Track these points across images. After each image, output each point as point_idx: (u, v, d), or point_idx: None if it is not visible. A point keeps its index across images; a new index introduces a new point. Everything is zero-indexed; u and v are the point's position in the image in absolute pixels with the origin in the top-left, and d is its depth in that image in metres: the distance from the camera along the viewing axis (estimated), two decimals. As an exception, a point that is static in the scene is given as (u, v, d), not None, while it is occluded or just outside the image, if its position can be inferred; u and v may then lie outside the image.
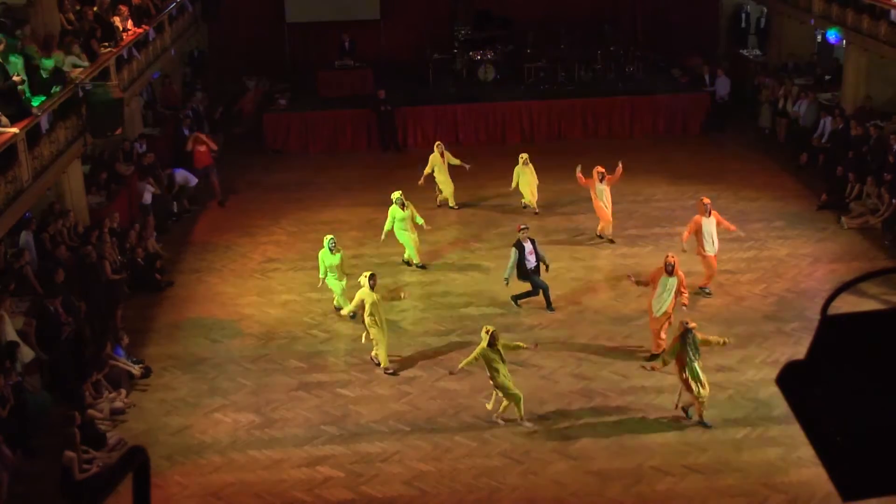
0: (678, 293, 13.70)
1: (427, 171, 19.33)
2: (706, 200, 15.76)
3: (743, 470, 11.62)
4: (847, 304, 2.36)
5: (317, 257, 15.32)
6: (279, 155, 23.80)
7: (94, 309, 14.72)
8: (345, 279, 15.20)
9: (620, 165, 17.80)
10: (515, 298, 15.59)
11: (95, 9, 19.08)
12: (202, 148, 19.98)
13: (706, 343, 12.35)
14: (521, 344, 12.93)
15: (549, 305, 15.51)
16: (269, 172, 22.53)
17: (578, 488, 11.41)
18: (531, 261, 15.25)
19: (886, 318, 2.07)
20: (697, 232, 15.56)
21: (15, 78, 13.76)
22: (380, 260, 17.25)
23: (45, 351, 13.29)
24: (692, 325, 12.27)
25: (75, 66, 16.14)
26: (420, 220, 16.76)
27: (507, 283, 15.32)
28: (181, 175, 20.55)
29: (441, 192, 19.64)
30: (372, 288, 13.63)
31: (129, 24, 19.84)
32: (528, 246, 15.25)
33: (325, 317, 15.55)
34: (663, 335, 13.75)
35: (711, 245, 15.53)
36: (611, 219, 17.88)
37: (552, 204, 19.80)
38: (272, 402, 13.29)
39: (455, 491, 11.40)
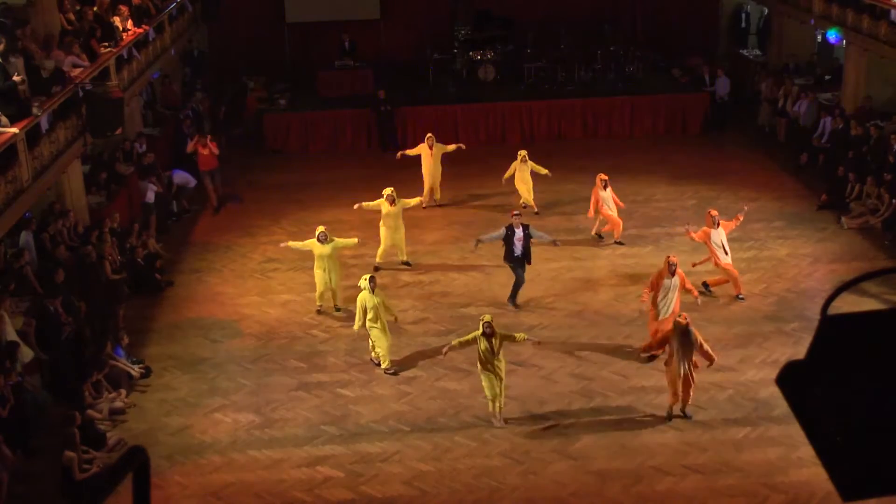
0: (685, 291, 13.75)
1: (411, 152, 19.76)
2: (714, 213, 15.71)
3: (743, 470, 11.62)
4: (847, 304, 2.37)
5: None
6: (279, 155, 23.80)
7: (94, 309, 14.72)
8: (333, 277, 15.26)
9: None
10: (511, 300, 15.63)
11: (95, 9, 19.08)
12: (205, 151, 19.87)
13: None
14: (523, 336, 12.79)
15: (512, 298, 15.58)
16: (269, 172, 22.54)
17: (578, 488, 11.41)
18: (518, 247, 15.29)
19: (886, 318, 2.07)
20: (708, 243, 15.54)
21: (15, 78, 13.76)
22: (380, 259, 17.23)
23: (45, 351, 13.29)
24: (683, 320, 12.15)
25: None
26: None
27: (476, 246, 15.91)
28: (180, 176, 20.54)
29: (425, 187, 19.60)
30: (372, 291, 13.64)
31: (129, 24, 19.83)
32: (518, 232, 15.26)
33: (325, 317, 15.56)
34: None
35: (725, 254, 15.52)
36: (620, 222, 17.88)
37: (552, 204, 19.80)
38: (272, 402, 13.30)
39: (455, 491, 11.40)
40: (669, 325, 12.92)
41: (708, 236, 15.49)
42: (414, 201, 17.26)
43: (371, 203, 16.83)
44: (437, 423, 12.73)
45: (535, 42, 25.88)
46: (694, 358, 12.17)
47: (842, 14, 21.83)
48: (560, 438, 12.32)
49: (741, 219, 16.04)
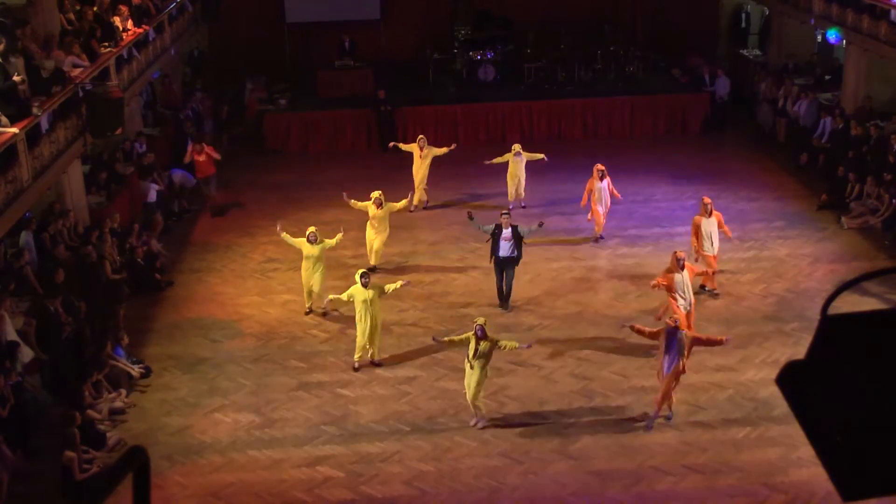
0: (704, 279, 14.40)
1: (403, 147, 19.80)
2: (707, 200, 15.75)
3: (743, 470, 11.62)
4: (847, 304, 2.36)
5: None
6: (279, 155, 23.80)
7: (94, 309, 14.72)
8: (317, 278, 15.26)
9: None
10: (502, 305, 15.62)
11: (95, 9, 19.08)
12: (202, 158, 19.76)
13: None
14: (514, 345, 12.65)
15: (501, 300, 15.61)
16: (269, 172, 22.54)
17: (578, 488, 11.41)
18: (504, 247, 15.27)
19: (886, 317, 2.07)
20: (696, 232, 15.57)
21: (15, 78, 13.76)
22: (374, 261, 17.23)
23: (45, 351, 13.29)
24: (672, 323, 12.08)
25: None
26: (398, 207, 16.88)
27: (470, 220, 15.82)
28: (179, 175, 20.53)
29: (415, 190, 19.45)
30: (365, 286, 13.63)
31: (129, 24, 19.83)
32: (506, 232, 15.24)
33: (325, 317, 15.56)
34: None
35: (711, 245, 15.52)
36: (603, 221, 17.85)
37: (552, 204, 19.80)
38: (272, 402, 13.30)
39: (455, 491, 11.40)
40: (694, 315, 13.68)
41: (698, 226, 15.56)
42: (400, 205, 17.07)
43: (359, 203, 16.80)
44: (438, 423, 12.73)
45: (535, 42, 25.89)
46: (682, 364, 12.04)
47: (842, 14, 21.84)
48: (560, 438, 12.33)
49: (730, 236, 16.47)
